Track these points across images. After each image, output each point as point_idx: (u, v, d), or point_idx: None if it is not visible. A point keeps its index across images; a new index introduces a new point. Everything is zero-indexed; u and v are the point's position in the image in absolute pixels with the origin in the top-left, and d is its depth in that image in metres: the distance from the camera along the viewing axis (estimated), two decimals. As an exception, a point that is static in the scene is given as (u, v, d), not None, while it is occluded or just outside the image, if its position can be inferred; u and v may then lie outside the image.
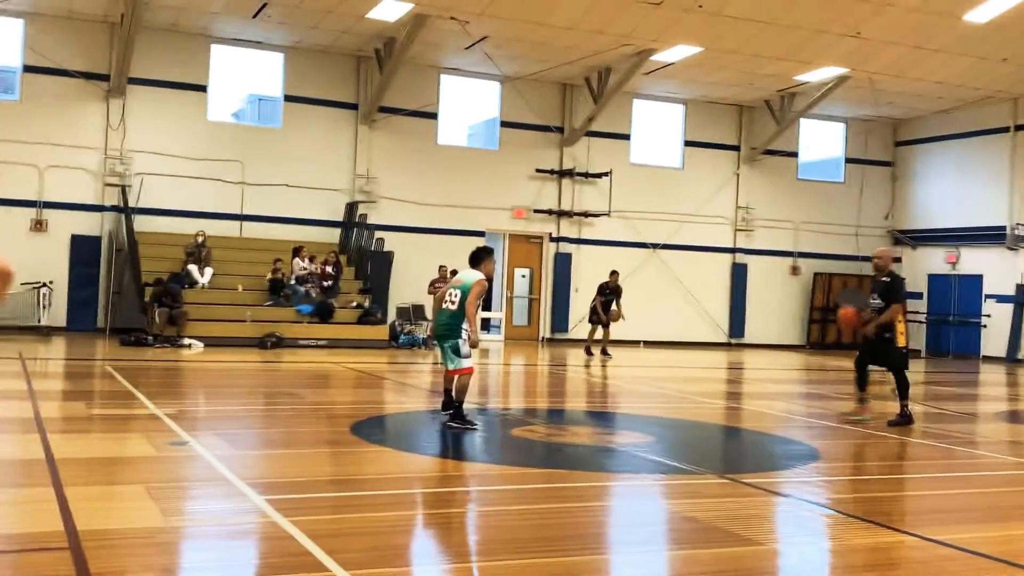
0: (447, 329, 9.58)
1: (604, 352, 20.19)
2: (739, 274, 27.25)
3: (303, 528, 5.29)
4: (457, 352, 9.50)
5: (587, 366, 18.59)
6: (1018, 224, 25.08)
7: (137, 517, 5.57)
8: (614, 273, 20.64)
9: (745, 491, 7.05)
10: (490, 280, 9.83)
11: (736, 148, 27.32)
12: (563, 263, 25.57)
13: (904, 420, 10.92)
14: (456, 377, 9.55)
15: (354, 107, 23.44)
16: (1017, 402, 16.31)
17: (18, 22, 20.84)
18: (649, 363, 20.37)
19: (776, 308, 27.73)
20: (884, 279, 11.37)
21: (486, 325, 25.78)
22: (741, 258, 27.28)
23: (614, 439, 9.46)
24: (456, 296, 9.60)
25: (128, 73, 21.02)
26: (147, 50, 21.21)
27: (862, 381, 11.35)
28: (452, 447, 8.97)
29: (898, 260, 26.52)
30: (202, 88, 22.23)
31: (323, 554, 4.82)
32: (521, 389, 15.69)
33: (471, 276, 9.63)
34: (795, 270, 27.98)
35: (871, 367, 11.46)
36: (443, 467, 7.91)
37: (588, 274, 25.51)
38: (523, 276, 25.92)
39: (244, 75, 23.52)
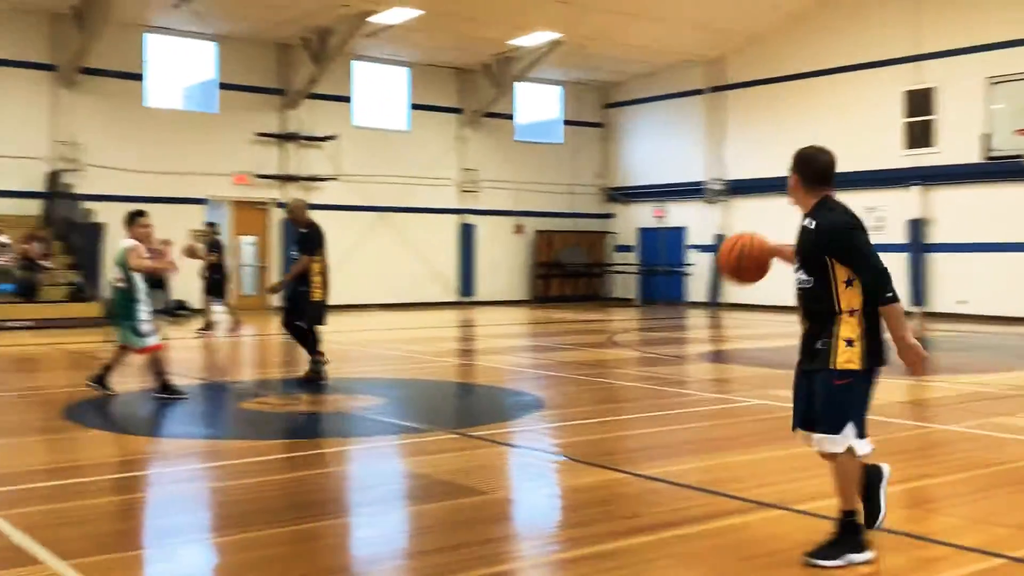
0: (121, 308, 9.31)
1: (208, 327, 17.30)
2: (467, 234, 27.89)
3: (14, 521, 4.97)
4: (138, 332, 9.25)
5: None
6: (714, 179, 27.27)
7: None
8: (210, 224, 18.55)
9: (474, 444, 7.34)
10: (144, 241, 9.45)
11: (459, 111, 27.80)
12: (291, 229, 25.03)
13: (317, 376, 10.57)
14: (150, 355, 9.37)
15: (51, 68, 21.69)
16: (719, 343, 17.88)
17: None
18: (382, 326, 20.51)
19: (503, 266, 28.66)
20: (303, 230, 10.75)
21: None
22: (468, 218, 27.91)
23: (348, 404, 9.52)
24: (119, 272, 9.37)
25: None
26: None
27: (306, 342, 10.73)
28: (178, 426, 8.68)
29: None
30: None
31: (38, 546, 4.56)
32: (253, 361, 15.36)
33: (121, 246, 9.44)
34: (519, 229, 28.99)
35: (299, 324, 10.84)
36: (170, 447, 7.65)
37: (316, 239, 25.20)
38: (250, 244, 25.21)
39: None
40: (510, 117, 28.70)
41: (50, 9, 21.22)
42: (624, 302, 29.11)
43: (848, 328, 4.39)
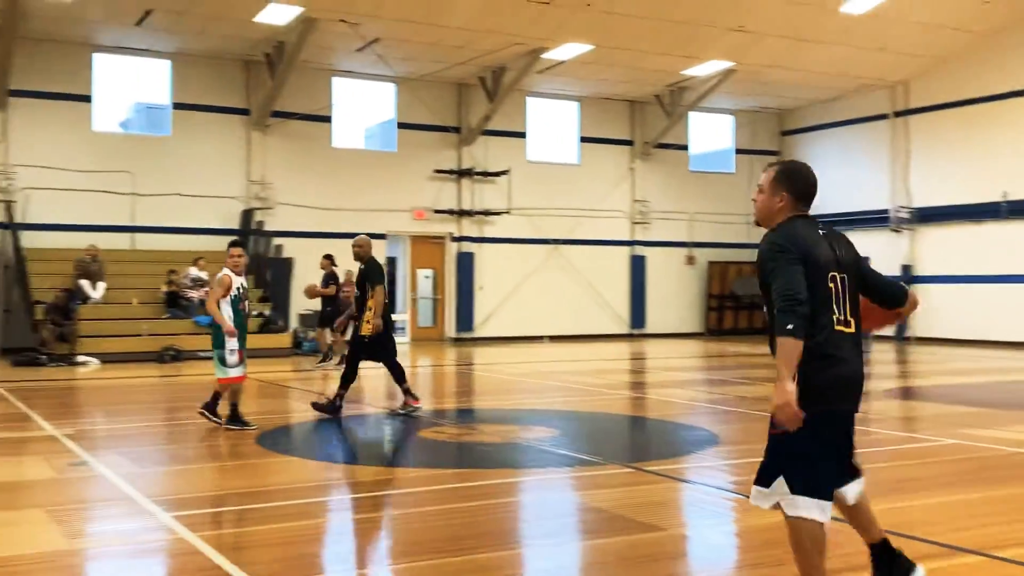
0: (212, 337, 9.62)
1: (327, 357, 17.71)
2: (638, 266, 27.75)
3: (212, 542, 5.26)
4: (223, 361, 9.47)
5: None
6: (900, 207, 26.13)
7: (40, 541, 5.46)
8: (327, 257, 18.13)
9: (649, 479, 7.25)
10: (239, 273, 9.66)
11: (630, 143, 27.80)
12: (466, 262, 25.66)
13: (331, 407, 10.46)
14: (229, 386, 9.55)
15: (245, 112, 23.09)
16: (907, 378, 17.04)
17: None
18: (553, 358, 20.61)
19: (675, 297, 28.34)
20: (362, 266, 10.88)
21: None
22: (639, 250, 27.78)
23: (522, 435, 9.59)
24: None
25: (9, 85, 20.29)
26: (28, 61, 20.49)
27: (401, 375, 10.75)
28: (360, 454, 8.98)
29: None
30: (86, 98, 21.60)
31: (233, 567, 4.81)
32: (429, 390, 15.72)
33: (217, 277, 9.72)
34: (691, 260, 28.61)
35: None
36: (351, 473, 7.91)
37: (491, 272, 25.71)
38: (426, 277, 25.93)
39: (130, 84, 22.92)
40: (682, 147, 28.46)
41: (245, 57, 22.63)
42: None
43: None
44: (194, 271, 20.63)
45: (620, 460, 8.15)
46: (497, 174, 25.68)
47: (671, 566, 5.10)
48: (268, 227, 22.74)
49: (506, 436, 9.63)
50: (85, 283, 19.72)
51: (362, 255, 10.89)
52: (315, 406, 10.74)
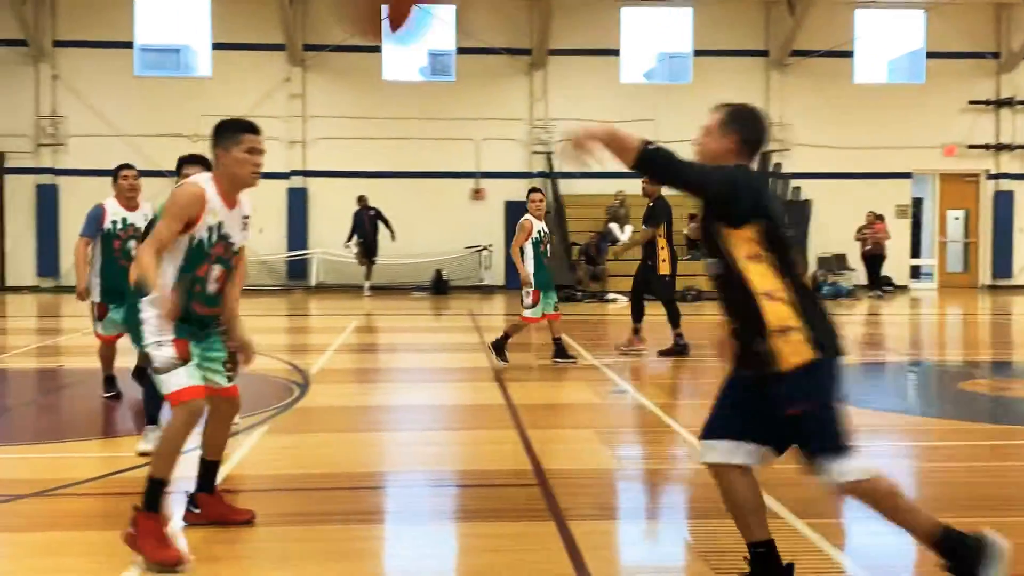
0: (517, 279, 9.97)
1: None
2: None
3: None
4: (522, 303, 9.88)
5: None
6: None
7: (592, 459, 6.09)
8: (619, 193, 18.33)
9: None
10: (539, 217, 9.83)
11: None
12: (1004, 202, 23.28)
13: (678, 349, 10.48)
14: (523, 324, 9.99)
15: (764, 53, 23.00)
16: None
17: (449, 7, 22.85)
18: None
19: None
20: (650, 204, 10.74)
21: (916, 272, 24.26)
22: None
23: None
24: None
25: (547, 46, 22.31)
26: (562, 22, 22.32)
27: (638, 312, 10.87)
28: (892, 401, 8.68)
29: None
30: (615, 52, 23.01)
31: (776, 503, 4.95)
32: (961, 339, 14.68)
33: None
34: None
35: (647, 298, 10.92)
36: (885, 420, 7.69)
37: (1034, 213, 23.12)
38: (956, 219, 24.02)
39: (654, 34, 23.94)
40: None
41: (765, -3, 22.53)
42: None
43: (773, 313, 3.48)
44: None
45: None
46: (1047, 102, 22.88)
47: None
48: (785, 169, 22.55)
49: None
50: (614, 226, 21.22)
51: (651, 192, 10.88)
52: (660, 352, 10.76)
